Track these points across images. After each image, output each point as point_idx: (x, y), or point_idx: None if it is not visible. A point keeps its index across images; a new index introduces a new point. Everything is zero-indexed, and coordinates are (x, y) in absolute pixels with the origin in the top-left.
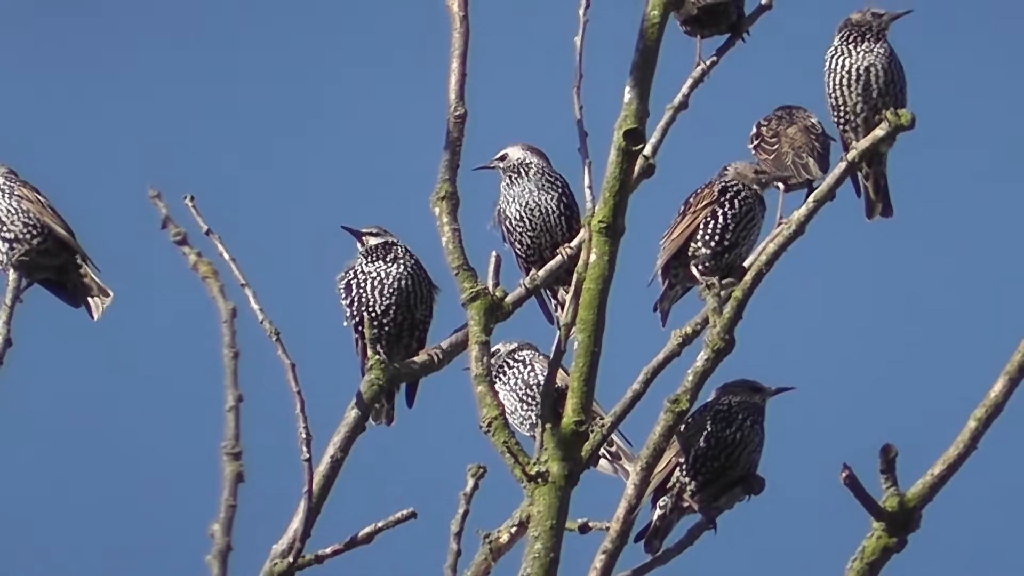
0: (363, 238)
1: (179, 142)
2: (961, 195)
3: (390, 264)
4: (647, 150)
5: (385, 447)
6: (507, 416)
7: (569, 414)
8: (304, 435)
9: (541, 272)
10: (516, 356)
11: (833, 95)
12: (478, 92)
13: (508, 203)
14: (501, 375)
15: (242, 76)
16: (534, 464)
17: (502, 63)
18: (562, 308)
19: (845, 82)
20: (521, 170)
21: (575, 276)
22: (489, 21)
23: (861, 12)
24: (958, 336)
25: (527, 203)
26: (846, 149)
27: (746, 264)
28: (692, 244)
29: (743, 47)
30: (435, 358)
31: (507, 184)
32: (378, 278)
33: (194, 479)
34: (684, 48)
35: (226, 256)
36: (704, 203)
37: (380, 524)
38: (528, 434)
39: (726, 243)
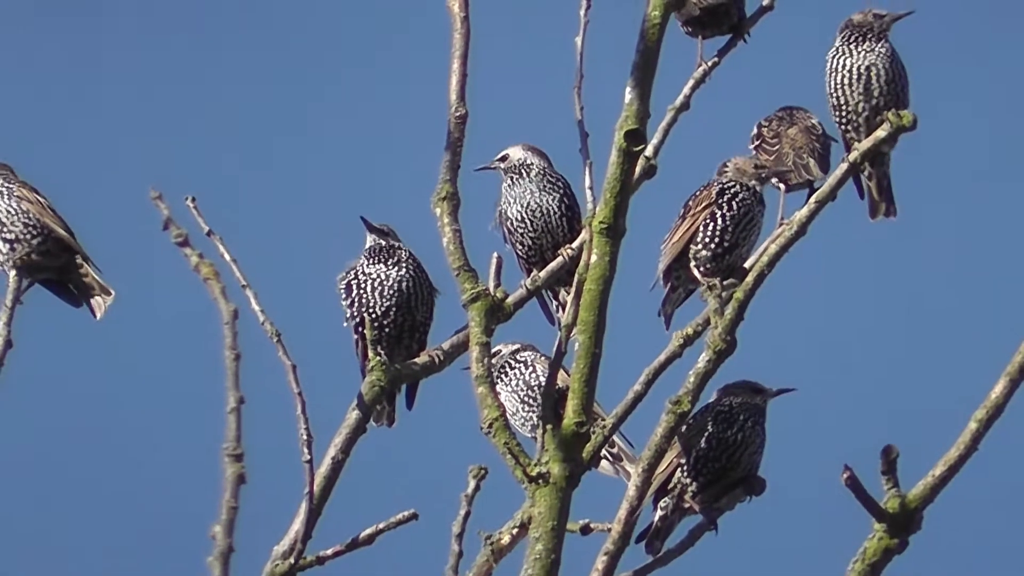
0: (372, 233)
1: (179, 142)
2: (962, 195)
3: (391, 267)
4: (648, 151)
5: (386, 448)
6: (508, 417)
7: (570, 415)
8: (305, 436)
9: (542, 273)
10: (517, 357)
11: (834, 95)
12: (479, 93)
13: (509, 204)
14: (503, 376)
15: (242, 76)
16: (535, 465)
17: (503, 64)
18: (563, 309)
19: (846, 82)
20: (522, 171)
21: (576, 277)
22: (490, 22)
23: (862, 13)
24: (959, 337)
25: (528, 204)
26: (848, 150)
27: (747, 265)
28: (692, 246)
29: (744, 48)
30: (436, 359)
31: (508, 185)
32: (379, 279)
33: (195, 481)
34: (685, 49)
35: (227, 257)
36: (703, 205)
37: (381, 525)
38: (529, 435)
39: (726, 245)
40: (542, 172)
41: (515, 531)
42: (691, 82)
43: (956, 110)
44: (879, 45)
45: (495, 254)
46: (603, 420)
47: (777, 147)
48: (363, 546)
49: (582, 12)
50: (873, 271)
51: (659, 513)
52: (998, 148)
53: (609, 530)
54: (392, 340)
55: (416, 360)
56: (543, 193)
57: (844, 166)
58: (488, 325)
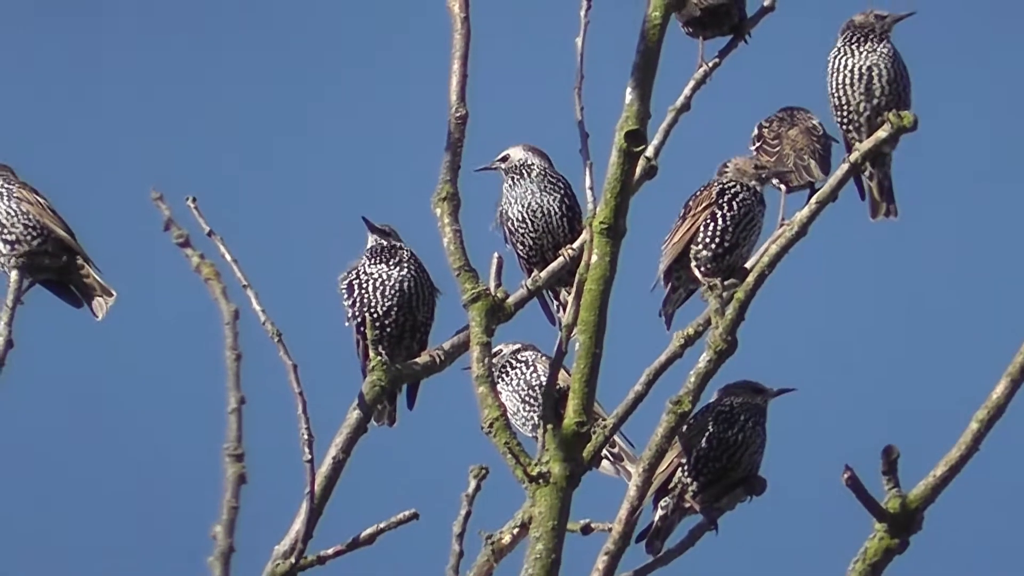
0: (374, 233)
1: (179, 142)
2: (962, 196)
3: (393, 267)
4: (649, 151)
5: (387, 448)
6: (509, 417)
7: (570, 415)
8: (306, 436)
9: (543, 273)
10: (518, 357)
11: (836, 95)
12: (479, 93)
13: (510, 204)
14: (503, 376)
15: (242, 76)
16: (535, 465)
17: (503, 64)
18: (564, 309)
19: (848, 82)
20: (523, 171)
21: (577, 277)
22: (490, 22)
23: (864, 14)
24: (960, 337)
25: (529, 204)
26: (848, 150)
27: (748, 265)
28: (693, 247)
29: (745, 49)
30: (437, 359)
31: (509, 185)
32: (380, 279)
33: (196, 480)
34: (686, 50)
35: (228, 257)
36: (703, 205)
37: (382, 525)
38: (530, 435)
39: (726, 245)
40: (543, 172)
41: (516, 531)
42: (692, 83)
43: (957, 111)
44: (881, 46)
45: (496, 254)
46: (604, 420)
47: (778, 148)
48: (364, 546)
49: (582, 13)
50: (874, 272)
51: (659, 513)
52: (999, 149)
53: (610, 530)
54: (393, 340)
55: (417, 360)
56: (544, 193)
57: (845, 167)
58: (489, 325)
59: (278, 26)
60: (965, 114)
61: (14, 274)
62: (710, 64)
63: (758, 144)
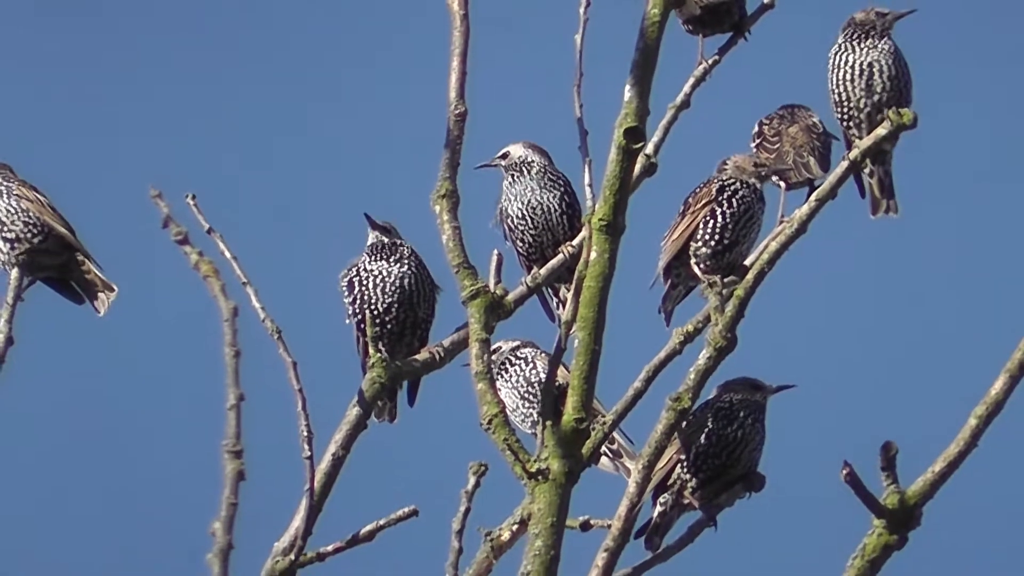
0: (375, 230)
1: (179, 142)
2: (962, 195)
3: (393, 263)
4: (649, 149)
5: (387, 445)
6: (509, 414)
7: (569, 412)
8: (306, 433)
9: (543, 270)
10: (518, 354)
11: (836, 91)
12: (478, 90)
13: (510, 201)
14: (503, 373)
15: (242, 75)
16: (534, 461)
17: (502, 61)
18: (563, 306)
19: (848, 78)
20: (523, 168)
21: (576, 274)
22: (489, 19)
23: (865, 11)
24: (959, 334)
25: (529, 201)
26: (848, 147)
27: (748, 262)
28: (692, 244)
29: (745, 46)
30: (437, 356)
31: (509, 182)
32: (380, 276)
33: (195, 477)
34: (686, 47)
35: (227, 255)
36: (703, 202)
37: (382, 522)
38: (530, 432)
39: (726, 242)
40: (543, 170)
41: (515, 527)
42: (692, 80)
43: (957, 110)
44: (882, 42)
45: (495, 251)
46: (603, 417)
47: (778, 145)
48: (363, 542)
49: (582, 10)
50: (873, 269)
51: (659, 509)
52: (999, 149)
53: (609, 526)
54: (394, 337)
55: (417, 357)
56: (544, 191)
57: (845, 164)
58: (488, 322)
59: (278, 25)
60: (965, 113)
61: (14, 272)
62: (710, 61)
63: (758, 141)
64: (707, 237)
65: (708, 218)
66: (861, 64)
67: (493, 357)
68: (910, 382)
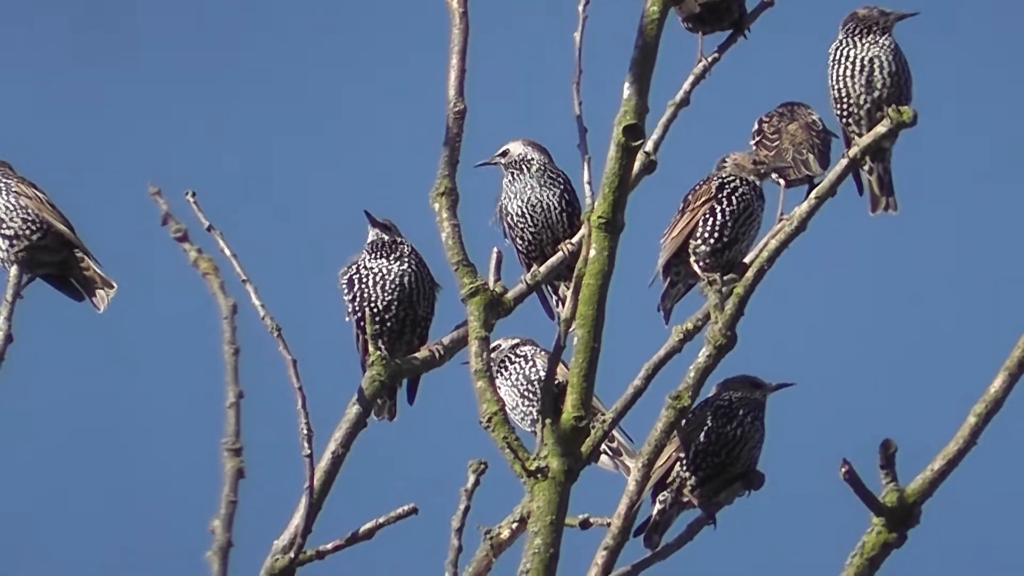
0: (375, 228)
1: (179, 140)
2: (962, 193)
3: (393, 261)
4: (648, 146)
5: (386, 443)
6: (508, 412)
7: (569, 410)
8: (305, 431)
9: (542, 268)
10: (517, 352)
11: (836, 86)
12: (478, 88)
13: (510, 199)
14: (502, 371)
15: (242, 74)
16: (534, 459)
17: (502, 59)
18: (562, 304)
19: (849, 73)
20: (523, 166)
21: (575, 272)
22: (488, 17)
23: (867, 9)
24: (958, 332)
25: (529, 199)
26: (847, 144)
27: (747, 260)
28: (692, 241)
29: (745, 44)
30: (436, 354)
31: (509, 180)
32: (380, 274)
33: (195, 475)
34: (686, 44)
35: (227, 252)
36: (702, 200)
37: (381, 520)
38: (529, 430)
39: (725, 239)
40: (543, 167)
41: (515, 525)
42: (691, 78)
43: (958, 110)
44: (883, 38)
45: (495, 249)
46: (603, 415)
47: (777, 143)
48: (363, 540)
49: (581, 7)
50: (873, 267)
51: (658, 507)
52: (999, 148)
53: (608, 524)
54: (393, 335)
55: (416, 355)
56: (543, 188)
57: (844, 162)
58: (487, 320)
59: (277, 24)
60: (966, 113)
61: (14, 269)
62: (709, 59)
63: (757, 139)
64: (706, 235)
65: (707, 216)
66: (862, 59)
67: (493, 355)
68: (909, 380)
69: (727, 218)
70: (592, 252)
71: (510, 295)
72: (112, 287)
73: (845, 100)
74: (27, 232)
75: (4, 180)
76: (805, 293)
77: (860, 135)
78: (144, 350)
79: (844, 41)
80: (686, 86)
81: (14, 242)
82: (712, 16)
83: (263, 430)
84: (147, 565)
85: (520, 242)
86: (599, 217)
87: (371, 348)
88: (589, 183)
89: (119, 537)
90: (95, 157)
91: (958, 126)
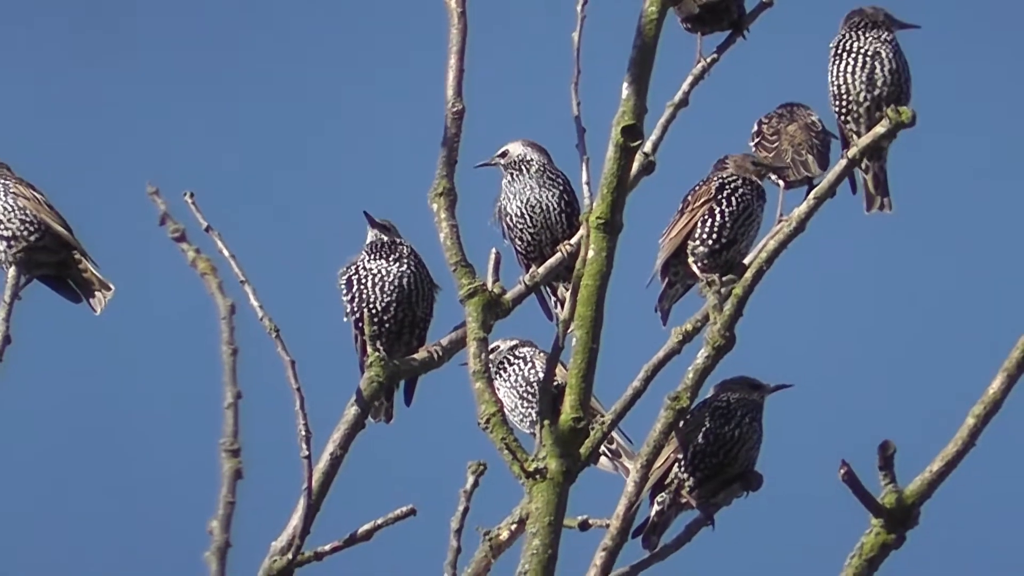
0: (374, 228)
1: (179, 140)
2: (962, 192)
3: (392, 262)
4: (647, 147)
5: (384, 444)
6: (507, 413)
7: (567, 411)
8: (304, 432)
9: (541, 269)
10: (516, 353)
11: (836, 82)
12: (476, 88)
13: (509, 200)
14: (501, 372)
15: (241, 74)
16: (532, 461)
17: (500, 59)
18: (561, 305)
19: (850, 69)
20: (522, 167)
21: (574, 273)
22: (487, 17)
23: (873, 8)
24: (957, 333)
25: (528, 200)
26: (845, 143)
27: (746, 261)
28: (690, 242)
29: (744, 44)
30: (435, 355)
31: (508, 181)
32: (379, 275)
33: (193, 476)
34: (685, 45)
35: (225, 252)
36: (702, 200)
37: (380, 521)
38: (528, 431)
39: (724, 240)
40: (542, 168)
41: (514, 527)
42: (690, 78)
43: (958, 110)
44: (885, 34)
45: (494, 250)
46: (602, 416)
47: (776, 144)
48: (361, 542)
49: (579, 7)
50: (872, 268)
51: (656, 508)
52: (999, 147)
53: (607, 526)
54: (392, 336)
55: (415, 356)
56: (543, 189)
57: (843, 162)
58: (486, 320)
59: (277, 25)
60: (966, 113)
61: (12, 270)
62: (708, 59)
63: (757, 140)
64: (705, 236)
65: (706, 216)
66: (865, 53)
67: (491, 356)
68: (908, 381)
69: (726, 219)
70: (591, 253)
71: (508, 296)
72: (109, 289)
73: (845, 96)
74: (25, 233)
75: (2, 181)
76: (804, 294)
77: (859, 134)
78: (142, 350)
79: (847, 35)
80: (685, 87)
81: (12, 243)
82: (711, 16)
83: (261, 431)
84: (146, 565)
85: (519, 243)
86: (598, 218)
87: (369, 349)
88: (587, 184)
89: (118, 538)
90: (93, 157)
91: (958, 126)
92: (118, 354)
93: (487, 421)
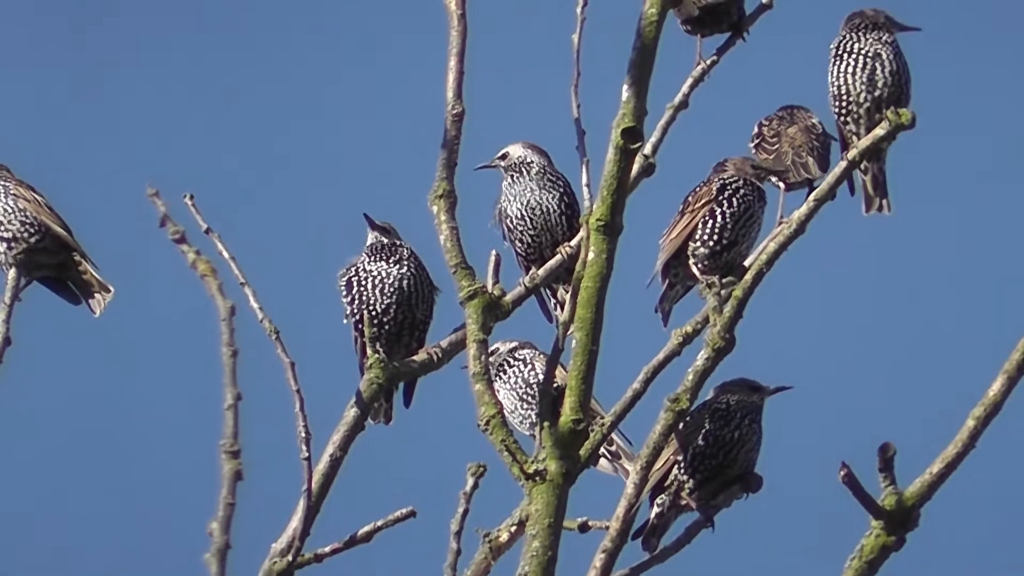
0: (374, 230)
1: (179, 141)
2: (962, 194)
3: (392, 264)
4: (647, 149)
5: (384, 446)
6: (507, 415)
7: (567, 413)
8: (303, 434)
9: (541, 271)
10: (516, 355)
11: (836, 83)
12: (476, 90)
13: (509, 202)
14: (501, 374)
15: (240, 73)
16: (532, 462)
17: (500, 61)
18: (561, 307)
19: (850, 70)
20: (522, 169)
21: (574, 275)
22: (487, 19)
23: (874, 10)
24: (957, 335)
25: (528, 202)
26: (844, 145)
27: (746, 263)
28: (691, 243)
29: (743, 46)
30: (434, 357)
31: (508, 183)
32: (379, 277)
33: (193, 477)
34: (685, 47)
35: (225, 254)
36: (702, 202)
37: (379, 523)
38: (528, 433)
39: (725, 242)
40: (542, 170)
41: (513, 529)
42: (690, 80)
43: (958, 110)
44: (886, 35)
45: (493, 252)
46: (602, 418)
47: (776, 146)
48: (361, 543)
49: (579, 9)
50: (872, 270)
51: (656, 510)
52: (1000, 149)
53: (607, 527)
54: (392, 338)
55: (414, 358)
56: (543, 191)
57: (843, 165)
58: (485, 322)
59: (277, 25)
60: (966, 113)
61: (12, 271)
62: (708, 62)
63: (757, 142)
64: (705, 237)
65: (707, 218)
66: (866, 54)
67: (491, 359)
68: (908, 383)
69: (727, 220)
70: (591, 255)
71: (508, 298)
72: (109, 291)
73: (845, 97)
74: (25, 235)
75: (2, 183)
76: (804, 296)
77: (858, 135)
78: (142, 352)
79: (848, 36)
80: (685, 89)
81: (12, 245)
82: (711, 18)
83: (261, 432)
84: (146, 567)
85: (519, 245)
86: (598, 220)
87: (369, 351)
88: (588, 186)
89: (118, 539)
90: (93, 158)
91: (958, 128)
92: (118, 356)
93: (487, 423)
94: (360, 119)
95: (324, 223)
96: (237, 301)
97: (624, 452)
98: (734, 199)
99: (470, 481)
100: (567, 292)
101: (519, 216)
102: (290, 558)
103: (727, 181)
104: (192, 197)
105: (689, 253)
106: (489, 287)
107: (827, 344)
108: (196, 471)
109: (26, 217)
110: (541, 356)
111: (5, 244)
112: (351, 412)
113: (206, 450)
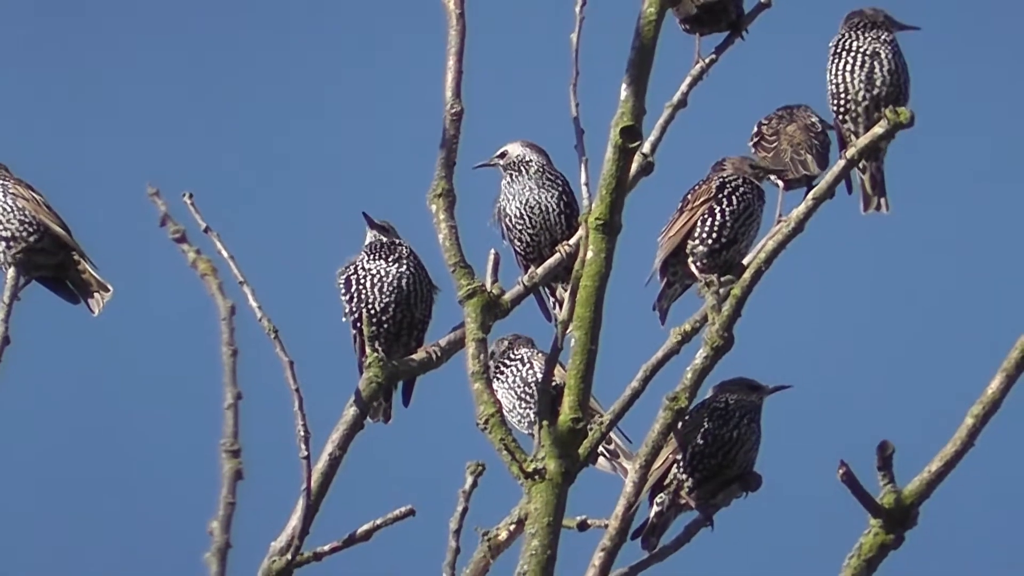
0: (373, 229)
1: (179, 141)
2: (961, 194)
3: (391, 263)
4: (646, 148)
5: (383, 445)
6: (506, 414)
7: (566, 411)
8: (303, 432)
9: (540, 270)
10: (514, 354)
11: (835, 81)
12: (475, 90)
13: (508, 200)
14: (499, 373)
15: (240, 73)
16: (531, 461)
17: (499, 61)
18: (560, 306)
19: (849, 68)
20: (521, 167)
21: (573, 274)
22: (486, 18)
23: (873, 9)
24: (956, 333)
25: (527, 201)
26: (843, 143)
27: (745, 262)
28: (690, 241)
29: (742, 45)
30: (433, 356)
31: (507, 182)
32: (378, 276)
33: (193, 476)
34: (683, 46)
35: (224, 254)
36: (701, 200)
37: (379, 521)
38: (527, 432)
39: (724, 240)
40: (541, 169)
41: (512, 527)
42: (689, 79)
43: (958, 110)
44: (885, 34)
45: (492, 250)
46: (600, 416)
47: (775, 144)
48: (360, 542)
49: (578, 8)
50: (871, 269)
51: (655, 509)
52: (999, 149)
53: (606, 526)
54: (391, 337)
55: (413, 356)
56: (542, 190)
57: (841, 163)
58: (484, 321)
59: (277, 24)
60: (966, 113)
61: (11, 271)
62: (707, 60)
63: (756, 140)
64: (704, 235)
65: (706, 216)
66: (864, 53)
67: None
68: (907, 381)
69: (726, 218)
70: (589, 254)
71: (507, 297)
72: (108, 291)
73: (843, 96)
74: (24, 234)
75: (1, 182)
76: (803, 295)
77: (857, 134)
78: (142, 351)
79: (847, 34)
80: (683, 87)
81: (11, 244)
82: (709, 17)
83: (261, 431)
84: (146, 566)
85: (518, 243)
86: (596, 219)
87: (368, 350)
88: (586, 185)
89: (118, 538)
90: (93, 157)
91: (957, 127)
92: (118, 354)
93: (486, 422)
94: (359, 118)
95: (323, 222)
96: (237, 300)
97: (623, 451)
98: (733, 197)
99: (469, 480)
100: (566, 291)
101: (518, 215)
102: (289, 557)
103: (726, 179)
104: (192, 196)
105: (688, 251)
106: (488, 286)
107: (826, 343)
108: (196, 470)
109: (25, 216)
110: (540, 355)
111: (4, 243)
112: (350, 411)
113: (206, 449)
